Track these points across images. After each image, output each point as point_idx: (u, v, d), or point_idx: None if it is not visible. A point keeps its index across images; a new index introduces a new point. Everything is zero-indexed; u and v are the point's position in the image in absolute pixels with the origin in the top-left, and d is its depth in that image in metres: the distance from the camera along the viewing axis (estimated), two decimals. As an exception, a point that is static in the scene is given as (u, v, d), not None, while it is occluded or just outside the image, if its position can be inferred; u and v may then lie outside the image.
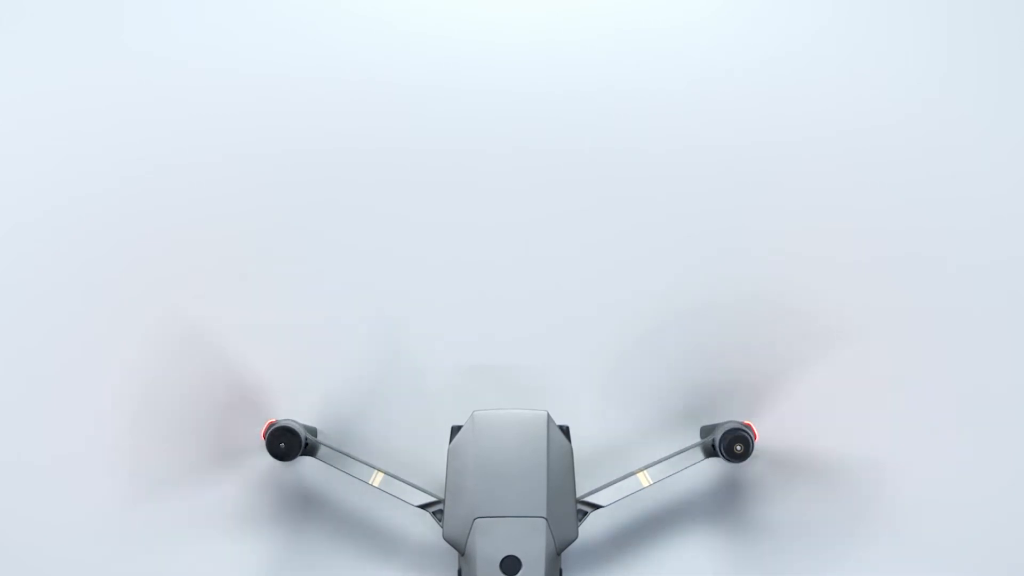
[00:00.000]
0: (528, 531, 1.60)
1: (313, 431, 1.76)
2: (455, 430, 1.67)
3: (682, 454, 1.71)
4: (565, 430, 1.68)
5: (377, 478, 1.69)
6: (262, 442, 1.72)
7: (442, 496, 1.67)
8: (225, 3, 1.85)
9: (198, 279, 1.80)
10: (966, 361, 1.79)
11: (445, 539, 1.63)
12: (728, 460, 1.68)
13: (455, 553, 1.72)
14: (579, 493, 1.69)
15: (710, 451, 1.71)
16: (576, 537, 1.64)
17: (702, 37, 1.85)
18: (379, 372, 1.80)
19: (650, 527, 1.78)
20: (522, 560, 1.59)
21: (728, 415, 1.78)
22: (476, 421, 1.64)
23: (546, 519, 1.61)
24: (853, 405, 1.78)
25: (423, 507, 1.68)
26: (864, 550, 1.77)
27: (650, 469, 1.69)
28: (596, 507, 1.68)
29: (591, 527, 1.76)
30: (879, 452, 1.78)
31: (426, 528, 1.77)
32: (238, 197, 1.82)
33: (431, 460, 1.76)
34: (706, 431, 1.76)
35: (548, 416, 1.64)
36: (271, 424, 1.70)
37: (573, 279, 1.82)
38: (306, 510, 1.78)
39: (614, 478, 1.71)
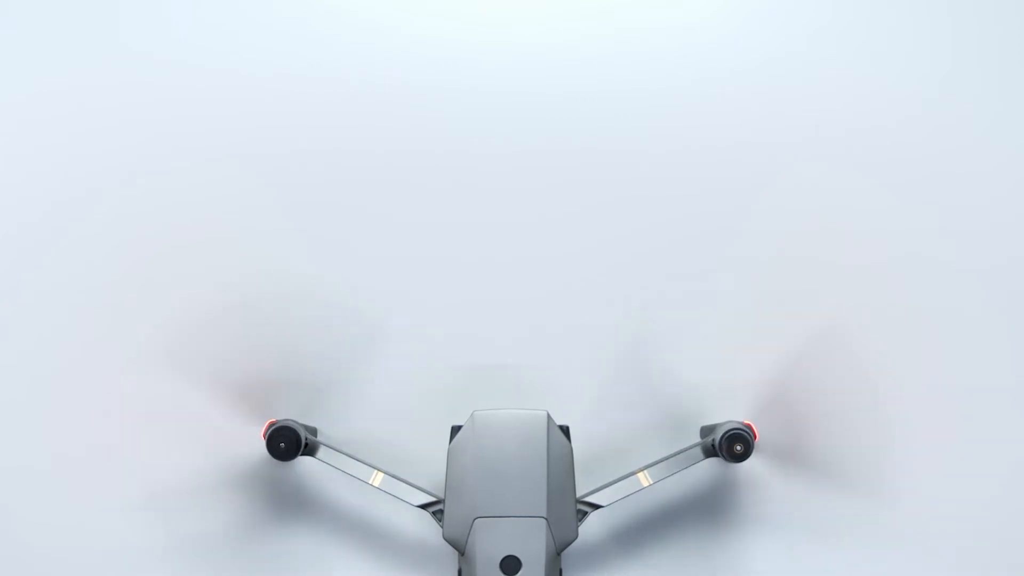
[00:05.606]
0: (528, 531, 1.60)
1: (313, 431, 1.76)
2: (455, 430, 1.67)
3: (682, 454, 1.71)
4: (565, 430, 1.68)
5: (377, 478, 1.69)
6: (262, 442, 1.72)
7: (442, 496, 1.67)
8: (224, 3, 1.85)
9: (197, 279, 1.80)
10: (967, 362, 1.79)
11: (445, 539, 1.63)
12: (728, 460, 1.68)
13: (455, 553, 1.72)
14: (579, 493, 1.69)
15: (710, 451, 1.71)
16: (576, 537, 1.64)
17: (702, 37, 1.85)
18: (380, 372, 1.79)
19: (650, 527, 1.78)
20: (522, 560, 1.59)
21: (728, 415, 1.78)
22: (476, 421, 1.64)
23: (546, 519, 1.61)
24: (853, 405, 1.78)
25: (423, 507, 1.68)
26: (864, 550, 1.77)
27: (650, 469, 1.69)
28: (596, 507, 1.68)
29: (591, 527, 1.76)
30: (879, 453, 1.78)
31: (426, 528, 1.77)
32: (238, 197, 1.82)
33: (431, 460, 1.76)
34: (706, 431, 1.76)
35: (548, 416, 1.64)
36: (271, 424, 1.70)
37: (573, 279, 1.82)
38: (306, 510, 1.78)
39: (614, 478, 1.71)
